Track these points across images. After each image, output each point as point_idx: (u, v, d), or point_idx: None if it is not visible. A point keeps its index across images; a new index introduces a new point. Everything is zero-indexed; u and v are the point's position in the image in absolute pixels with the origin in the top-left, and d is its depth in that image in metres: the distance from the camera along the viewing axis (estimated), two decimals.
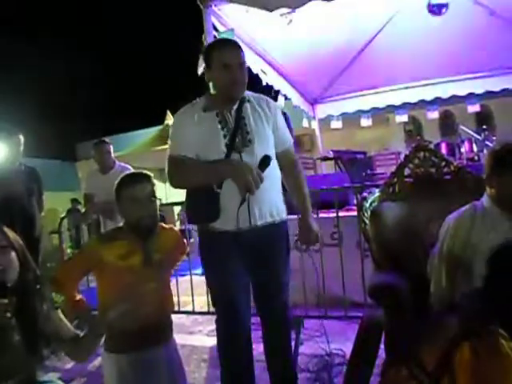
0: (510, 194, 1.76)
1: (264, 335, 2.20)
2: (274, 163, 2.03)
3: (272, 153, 2.04)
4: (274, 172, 2.05)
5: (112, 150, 4.29)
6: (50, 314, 1.46)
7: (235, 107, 2.02)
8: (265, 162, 1.94)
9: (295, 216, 2.22)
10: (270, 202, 2.02)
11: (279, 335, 2.19)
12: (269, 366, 2.20)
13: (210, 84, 2.10)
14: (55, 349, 1.49)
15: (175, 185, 2.05)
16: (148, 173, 1.99)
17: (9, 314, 1.35)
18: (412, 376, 1.37)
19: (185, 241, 2.22)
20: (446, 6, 4.74)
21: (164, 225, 2.09)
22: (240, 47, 2.03)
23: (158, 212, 1.94)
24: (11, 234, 1.44)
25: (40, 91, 17.46)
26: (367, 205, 2.36)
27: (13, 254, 1.39)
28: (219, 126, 1.98)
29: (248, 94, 2.08)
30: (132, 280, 1.84)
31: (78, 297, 1.96)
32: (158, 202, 1.92)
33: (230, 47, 2.00)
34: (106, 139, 4.34)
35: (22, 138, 3.82)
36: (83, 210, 4.46)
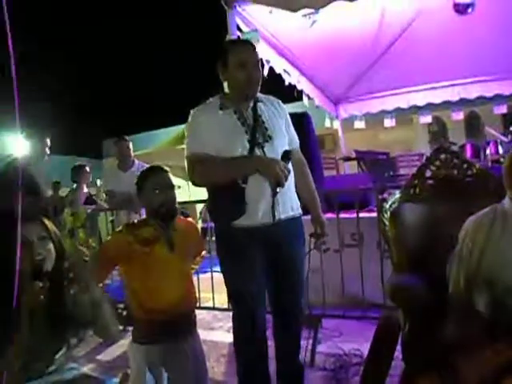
0: None
1: (276, 331, 2.22)
2: (288, 165, 2.07)
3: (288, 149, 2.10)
4: (290, 168, 2.09)
5: (131, 147, 4.45)
6: (81, 300, 1.53)
7: (251, 105, 2.08)
8: (286, 156, 2.02)
9: (309, 216, 2.28)
10: (291, 196, 2.10)
11: (291, 332, 2.23)
12: (278, 361, 2.24)
13: (225, 83, 2.13)
14: (82, 337, 1.57)
15: (199, 181, 2.06)
16: (164, 167, 2.15)
17: (42, 297, 1.44)
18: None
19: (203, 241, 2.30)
20: (472, 4, 4.67)
21: (184, 218, 2.21)
22: (255, 47, 2.08)
23: (179, 205, 2.13)
24: (50, 225, 1.53)
25: (68, 91, 17.86)
26: (387, 206, 2.36)
27: (51, 244, 1.48)
28: (239, 123, 2.03)
29: (259, 95, 2.13)
30: (158, 266, 1.96)
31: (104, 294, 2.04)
32: (176, 190, 2.09)
33: (245, 46, 2.06)
34: (126, 136, 4.49)
35: (48, 140, 4.00)
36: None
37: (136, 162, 4.51)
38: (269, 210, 1.98)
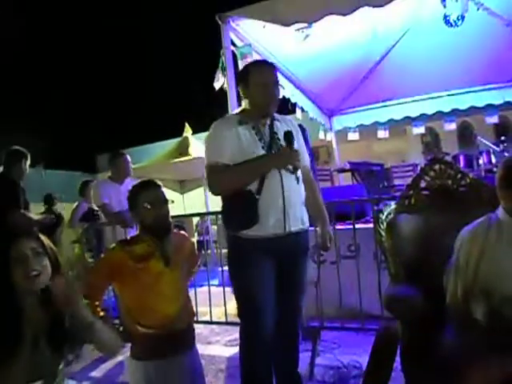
0: None
1: (275, 342, 2.20)
2: (300, 179, 2.18)
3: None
4: (301, 186, 2.20)
5: (130, 162, 4.39)
6: (78, 314, 1.52)
7: (268, 123, 2.19)
8: (288, 137, 2.11)
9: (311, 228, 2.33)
10: (301, 210, 2.18)
11: (292, 344, 2.28)
12: (277, 373, 2.23)
13: (245, 100, 2.22)
14: (79, 354, 1.56)
15: (218, 190, 2.16)
16: (157, 181, 2.15)
17: (40, 314, 1.44)
18: None
19: (197, 252, 2.31)
20: (462, 17, 4.76)
21: (177, 231, 2.21)
22: (275, 68, 2.22)
23: (174, 219, 2.13)
24: (46, 240, 1.53)
25: (61, 104, 17.88)
26: (383, 217, 2.37)
27: (46, 259, 1.48)
28: (257, 138, 2.13)
29: (275, 114, 2.24)
30: (154, 281, 1.94)
31: (102, 313, 2.00)
32: (169, 204, 2.08)
33: (267, 67, 2.20)
34: (123, 151, 4.44)
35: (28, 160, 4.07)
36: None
37: (128, 178, 4.39)
38: (280, 222, 2.07)
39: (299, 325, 2.34)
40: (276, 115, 2.25)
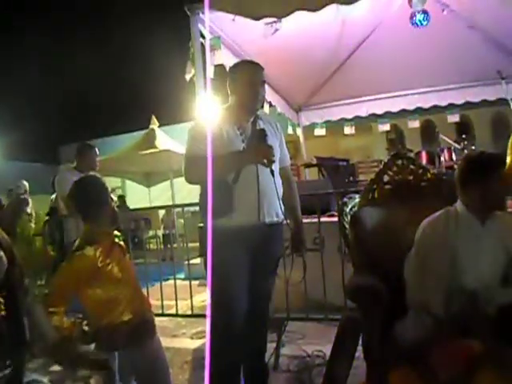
0: (479, 202, 1.85)
1: (245, 331, 2.22)
2: (277, 173, 2.24)
3: (277, 165, 2.25)
4: (278, 180, 2.24)
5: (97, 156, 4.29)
6: (34, 309, 1.50)
7: (251, 120, 2.25)
8: (261, 134, 2.17)
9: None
10: (275, 204, 2.22)
11: (260, 334, 2.34)
12: (245, 361, 2.27)
13: (232, 97, 2.27)
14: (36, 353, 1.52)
15: (193, 178, 2.21)
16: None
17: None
18: (424, 379, 1.42)
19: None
20: (426, 17, 4.87)
21: None
22: (263, 68, 2.27)
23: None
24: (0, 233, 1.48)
25: (22, 93, 17.27)
26: (347, 210, 2.43)
27: (1, 252, 1.43)
28: (238, 133, 2.19)
29: (259, 113, 2.31)
30: (118, 271, 1.97)
31: (67, 322, 1.92)
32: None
33: (256, 67, 2.26)
34: (89, 143, 4.34)
35: None
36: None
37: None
38: (254, 212, 2.11)
39: (268, 316, 2.37)
40: (260, 114, 2.32)
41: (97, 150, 4.23)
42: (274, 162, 2.15)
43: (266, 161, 2.11)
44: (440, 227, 1.89)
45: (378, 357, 1.80)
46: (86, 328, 1.96)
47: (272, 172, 2.16)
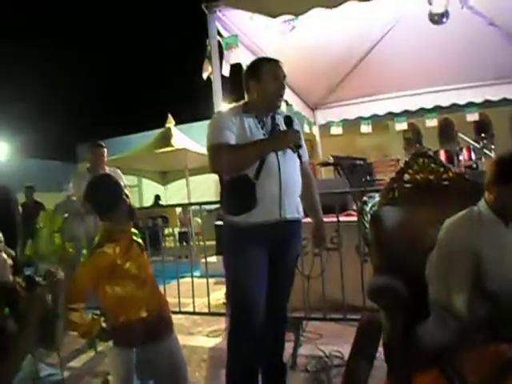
0: (507, 204, 1.81)
1: (263, 329, 2.20)
2: (297, 170, 2.26)
3: (297, 160, 2.25)
4: (298, 177, 2.26)
5: (106, 154, 4.33)
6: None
7: (270, 115, 2.27)
8: (288, 120, 2.24)
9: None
10: (296, 200, 2.25)
11: (279, 333, 2.34)
12: (263, 360, 2.27)
13: (252, 94, 2.28)
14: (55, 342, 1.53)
15: (222, 169, 2.20)
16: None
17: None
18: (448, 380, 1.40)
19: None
20: (446, 15, 4.80)
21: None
22: (283, 64, 2.29)
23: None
24: None
25: (42, 93, 17.53)
26: (367, 209, 2.40)
27: (3, 254, 1.44)
28: (259, 126, 2.20)
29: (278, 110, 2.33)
30: (136, 269, 1.99)
31: (87, 319, 1.95)
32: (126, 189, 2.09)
33: (278, 63, 2.28)
34: (102, 143, 4.38)
35: None
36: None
37: (107, 169, 4.34)
38: (276, 208, 2.12)
39: (286, 314, 2.37)
40: (279, 111, 2.34)
41: (104, 149, 4.28)
42: (301, 146, 2.17)
43: (293, 145, 2.14)
44: (463, 227, 1.86)
45: (400, 359, 1.77)
46: (103, 325, 1.97)
47: (300, 157, 2.18)
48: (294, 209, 2.22)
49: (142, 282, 1.99)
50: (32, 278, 1.51)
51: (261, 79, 2.23)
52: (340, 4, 3.48)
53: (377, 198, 2.50)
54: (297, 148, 2.16)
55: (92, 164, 4.26)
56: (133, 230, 2.12)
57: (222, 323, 3.86)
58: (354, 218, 3.35)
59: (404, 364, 1.70)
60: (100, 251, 1.95)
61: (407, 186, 2.48)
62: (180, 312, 4.06)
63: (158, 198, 10.83)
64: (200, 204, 4.75)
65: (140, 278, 1.99)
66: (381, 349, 1.97)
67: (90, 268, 1.99)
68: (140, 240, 2.12)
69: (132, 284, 1.97)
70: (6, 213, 3.71)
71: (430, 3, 4.68)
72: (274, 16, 3.71)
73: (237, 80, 3.42)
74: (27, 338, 1.44)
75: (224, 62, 4.02)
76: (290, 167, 2.19)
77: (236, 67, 4.06)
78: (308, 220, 2.48)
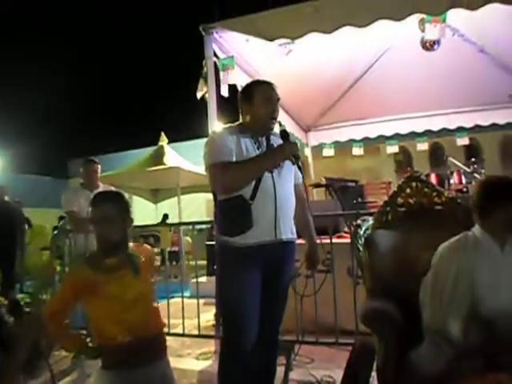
0: (497, 225, 1.82)
1: (255, 352, 2.17)
2: (292, 191, 2.28)
3: (292, 181, 2.30)
4: (293, 197, 2.28)
5: (100, 170, 4.31)
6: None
7: (265, 135, 2.28)
8: (285, 134, 2.27)
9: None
10: (291, 221, 2.25)
11: (270, 356, 2.30)
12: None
13: (246, 116, 2.28)
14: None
15: (224, 187, 2.15)
16: (109, 194, 2.16)
17: None
18: None
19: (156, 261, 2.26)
20: (438, 42, 4.91)
21: (136, 244, 2.16)
22: (276, 87, 2.30)
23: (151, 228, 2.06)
24: None
25: (35, 107, 17.51)
26: (361, 232, 2.41)
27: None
28: (255, 147, 2.21)
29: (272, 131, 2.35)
30: (123, 291, 1.90)
31: (73, 335, 1.96)
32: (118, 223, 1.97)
33: (271, 86, 2.28)
34: (95, 159, 4.36)
35: None
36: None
37: (101, 185, 4.32)
38: (271, 229, 2.12)
39: (277, 338, 2.34)
40: (273, 132, 2.35)
41: (98, 165, 4.26)
42: (299, 157, 2.18)
43: (292, 157, 2.15)
44: (459, 252, 1.86)
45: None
46: (90, 344, 1.93)
47: (300, 169, 2.21)
48: (289, 230, 2.22)
49: (127, 304, 1.93)
50: (17, 304, 1.47)
51: (254, 102, 2.24)
52: (336, 29, 3.55)
53: (370, 221, 2.51)
54: (296, 159, 2.16)
55: (85, 180, 4.22)
56: (131, 250, 2.06)
57: (211, 345, 3.80)
58: (346, 240, 3.35)
59: None
60: (73, 269, 1.97)
61: (400, 209, 2.50)
62: (169, 334, 3.99)
63: (166, 216, 10.74)
64: (193, 224, 4.72)
65: (125, 301, 1.92)
66: (374, 373, 1.95)
67: (65, 284, 2.01)
68: (136, 260, 2.05)
69: (116, 306, 1.91)
70: (7, 229, 3.67)
71: (423, 30, 4.78)
72: (270, 39, 3.77)
73: (232, 101, 3.46)
74: (15, 365, 1.40)
75: (222, 82, 4.06)
76: (284, 188, 2.20)
77: (231, 88, 4.10)
78: (301, 241, 2.47)
